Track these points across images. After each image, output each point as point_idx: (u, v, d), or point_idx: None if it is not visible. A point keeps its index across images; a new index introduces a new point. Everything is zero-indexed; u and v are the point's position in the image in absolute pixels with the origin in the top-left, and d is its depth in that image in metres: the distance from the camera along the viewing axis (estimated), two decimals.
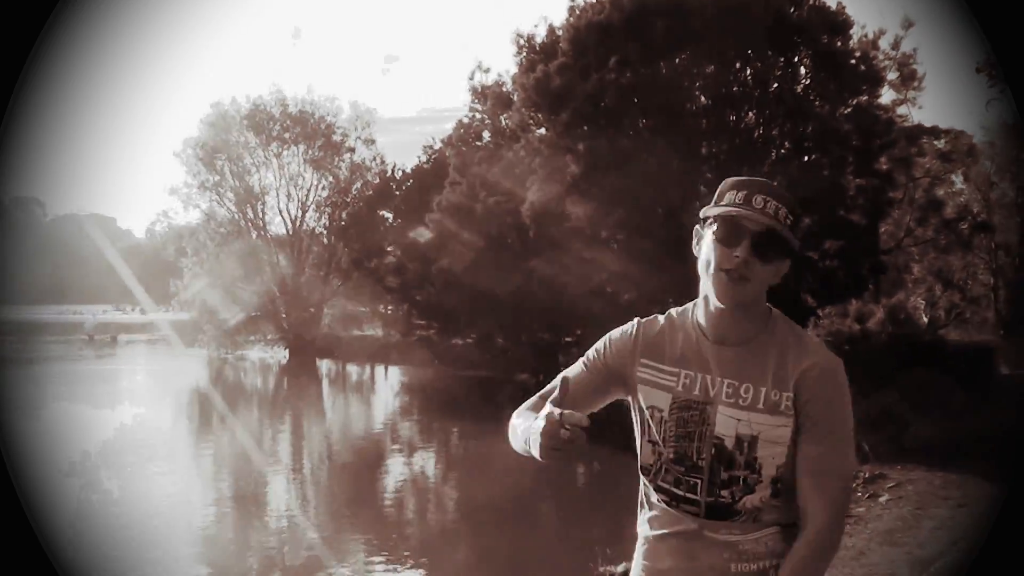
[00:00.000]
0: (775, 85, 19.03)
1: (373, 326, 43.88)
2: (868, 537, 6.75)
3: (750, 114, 19.13)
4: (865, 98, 18.95)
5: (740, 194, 1.89)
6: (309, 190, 42.45)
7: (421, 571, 9.33)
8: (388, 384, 34.05)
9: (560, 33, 19.27)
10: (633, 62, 17.26)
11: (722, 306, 1.92)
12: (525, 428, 1.94)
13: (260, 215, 42.45)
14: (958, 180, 26.71)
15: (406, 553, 9.92)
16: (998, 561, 5.55)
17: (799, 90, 18.73)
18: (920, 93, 19.54)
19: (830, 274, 18.57)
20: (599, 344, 2.12)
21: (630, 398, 2.10)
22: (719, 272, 1.89)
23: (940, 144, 21.15)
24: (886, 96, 19.44)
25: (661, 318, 2.09)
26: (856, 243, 18.45)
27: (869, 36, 19.38)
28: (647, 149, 18.69)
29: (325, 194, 42.27)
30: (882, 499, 8.31)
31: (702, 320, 2.00)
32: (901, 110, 19.53)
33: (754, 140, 18.61)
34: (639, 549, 2.12)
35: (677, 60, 18.05)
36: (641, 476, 2.09)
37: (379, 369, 36.97)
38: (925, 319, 23.16)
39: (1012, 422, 12.08)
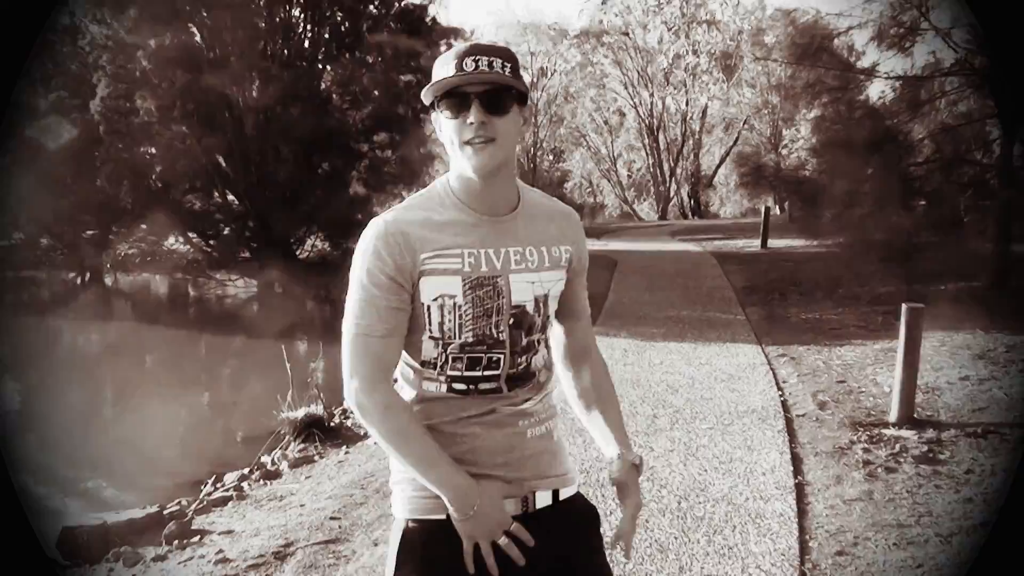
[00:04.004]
0: None
1: None
2: None
3: (300, 14, 20.54)
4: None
5: (451, 65, 1.84)
6: None
7: None
8: None
9: None
10: None
11: (480, 177, 1.88)
12: (426, 457, 1.86)
13: None
14: None
15: None
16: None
17: None
18: None
19: (381, 164, 20.66)
20: (370, 266, 1.86)
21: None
22: (464, 146, 1.85)
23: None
24: None
25: (401, 207, 1.95)
26: (405, 135, 20.72)
27: None
28: (211, 45, 19.54)
29: None
30: None
31: (463, 197, 1.92)
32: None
33: (303, 38, 20.14)
34: None
35: None
36: (411, 373, 1.97)
37: None
38: None
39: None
